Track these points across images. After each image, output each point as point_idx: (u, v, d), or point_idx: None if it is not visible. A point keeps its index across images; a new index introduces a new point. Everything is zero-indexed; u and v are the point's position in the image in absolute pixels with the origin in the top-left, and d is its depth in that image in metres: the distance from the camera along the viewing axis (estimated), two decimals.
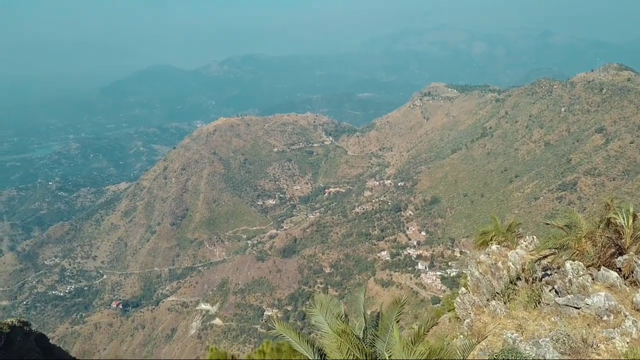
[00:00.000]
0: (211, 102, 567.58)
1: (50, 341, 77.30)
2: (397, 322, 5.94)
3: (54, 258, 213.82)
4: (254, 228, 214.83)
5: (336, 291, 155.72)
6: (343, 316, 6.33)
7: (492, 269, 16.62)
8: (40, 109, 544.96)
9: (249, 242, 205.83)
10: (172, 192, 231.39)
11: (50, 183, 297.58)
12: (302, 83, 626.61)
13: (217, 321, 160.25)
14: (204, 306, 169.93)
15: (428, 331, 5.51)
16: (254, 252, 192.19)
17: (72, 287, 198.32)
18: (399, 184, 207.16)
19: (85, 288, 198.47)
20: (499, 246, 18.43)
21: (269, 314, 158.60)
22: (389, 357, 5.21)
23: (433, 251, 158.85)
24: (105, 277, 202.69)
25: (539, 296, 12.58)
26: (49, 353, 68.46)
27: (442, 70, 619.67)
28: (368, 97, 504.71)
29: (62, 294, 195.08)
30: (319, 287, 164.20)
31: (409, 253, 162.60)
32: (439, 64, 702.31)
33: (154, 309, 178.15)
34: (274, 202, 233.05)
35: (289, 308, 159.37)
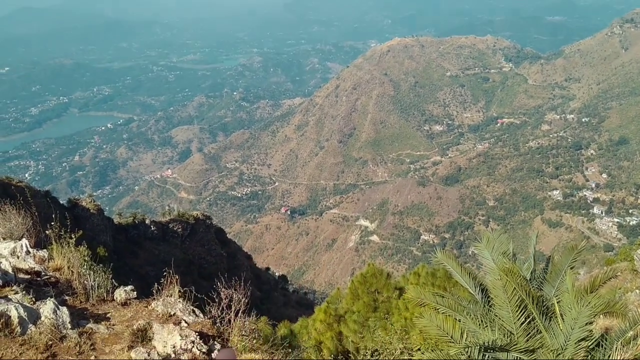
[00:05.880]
0: (387, 21, 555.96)
1: (227, 235, 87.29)
2: (571, 268, 5.64)
3: (234, 162, 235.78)
4: (418, 153, 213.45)
5: (498, 225, 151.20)
6: (511, 255, 6.17)
7: None
8: (230, 22, 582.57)
9: (412, 166, 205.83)
10: (342, 111, 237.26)
11: (234, 93, 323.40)
12: (486, 3, 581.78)
13: (375, 238, 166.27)
14: (363, 222, 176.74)
15: (605, 282, 5.13)
16: (416, 176, 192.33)
17: (249, 189, 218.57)
18: (583, 120, 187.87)
19: (259, 192, 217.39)
20: None
21: (425, 238, 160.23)
22: (558, 304, 5.02)
23: (613, 196, 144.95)
24: (277, 184, 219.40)
25: None
26: (226, 245, 77.53)
27: None
28: (559, 21, 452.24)
29: (239, 195, 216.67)
30: (480, 219, 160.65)
31: (585, 195, 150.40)
32: None
33: (317, 218, 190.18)
34: (441, 129, 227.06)
35: (446, 235, 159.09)
